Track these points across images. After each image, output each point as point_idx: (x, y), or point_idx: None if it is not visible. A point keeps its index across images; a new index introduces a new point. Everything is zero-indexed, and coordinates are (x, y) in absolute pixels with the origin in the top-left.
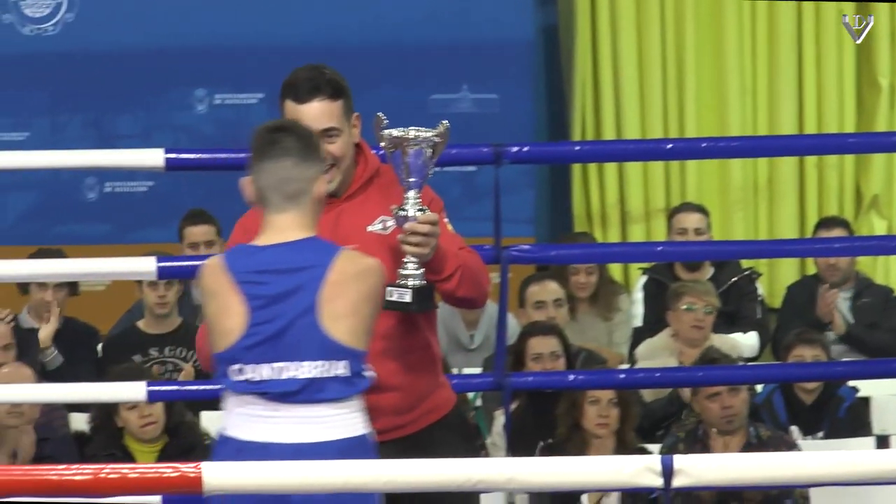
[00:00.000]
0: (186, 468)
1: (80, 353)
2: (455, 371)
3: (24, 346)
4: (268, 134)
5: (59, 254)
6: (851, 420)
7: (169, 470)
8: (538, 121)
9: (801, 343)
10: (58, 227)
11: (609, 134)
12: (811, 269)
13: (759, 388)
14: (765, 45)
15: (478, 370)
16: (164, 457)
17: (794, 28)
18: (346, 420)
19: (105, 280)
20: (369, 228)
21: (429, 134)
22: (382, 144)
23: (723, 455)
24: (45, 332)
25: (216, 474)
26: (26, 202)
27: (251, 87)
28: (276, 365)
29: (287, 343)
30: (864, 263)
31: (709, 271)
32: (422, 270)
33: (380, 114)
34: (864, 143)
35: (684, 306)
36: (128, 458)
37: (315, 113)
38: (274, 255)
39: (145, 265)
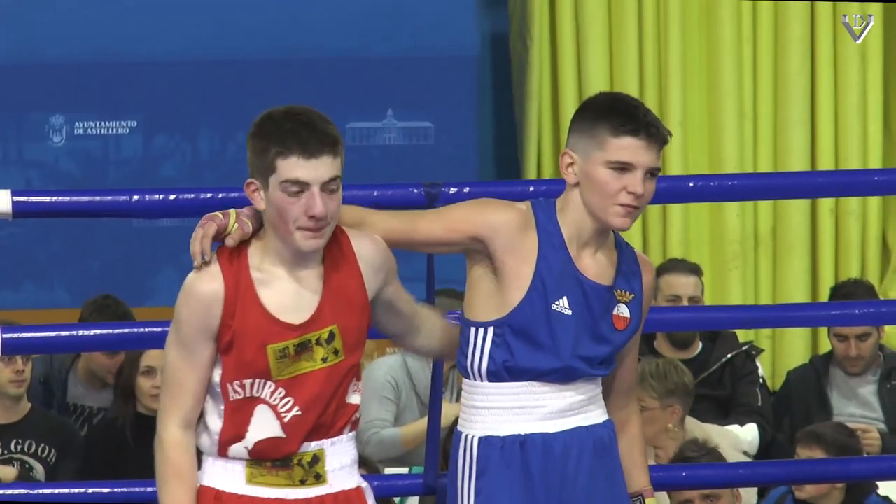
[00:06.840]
0: None
1: None
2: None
3: None
4: None
5: None
6: None
7: None
8: (482, 153)
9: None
10: None
11: None
12: (825, 346)
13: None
14: (769, 58)
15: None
16: None
17: (805, 33)
18: None
19: None
20: None
21: None
22: None
23: None
24: None
25: None
26: None
27: (122, 113)
28: None
29: None
30: (894, 335)
31: (697, 346)
32: None
33: None
34: (893, 183)
35: (642, 403)
36: None
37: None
38: None
39: None
